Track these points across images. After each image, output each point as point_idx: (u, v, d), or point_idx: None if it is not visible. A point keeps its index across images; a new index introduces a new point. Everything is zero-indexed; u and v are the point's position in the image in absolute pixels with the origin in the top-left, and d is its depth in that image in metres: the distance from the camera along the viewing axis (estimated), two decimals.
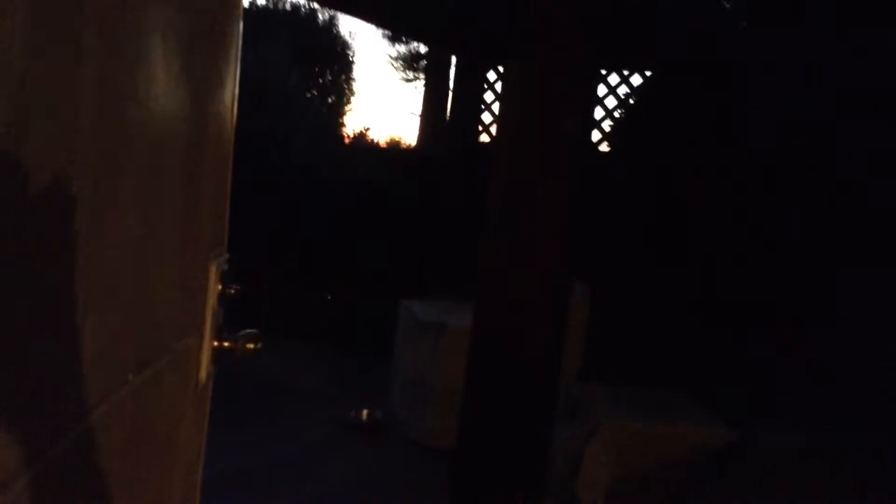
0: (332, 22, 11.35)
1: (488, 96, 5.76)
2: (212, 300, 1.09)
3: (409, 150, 9.48)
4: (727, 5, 3.83)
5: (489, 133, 5.80)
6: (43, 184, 0.57)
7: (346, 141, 9.02)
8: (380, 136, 11.69)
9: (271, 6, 10.85)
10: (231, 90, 1.19)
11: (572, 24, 2.31)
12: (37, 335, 0.59)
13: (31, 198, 0.56)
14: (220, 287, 1.12)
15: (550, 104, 2.35)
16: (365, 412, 4.54)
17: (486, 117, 5.79)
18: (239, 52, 1.23)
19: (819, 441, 3.48)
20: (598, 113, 5.12)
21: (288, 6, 11.07)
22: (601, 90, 5.13)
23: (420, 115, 9.96)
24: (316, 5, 11.13)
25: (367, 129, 11.10)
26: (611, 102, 5.25)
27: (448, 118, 6.62)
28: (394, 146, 9.71)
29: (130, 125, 0.75)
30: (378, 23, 6.53)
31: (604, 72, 5.14)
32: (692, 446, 3.45)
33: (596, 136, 5.14)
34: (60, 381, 0.64)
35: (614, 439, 3.43)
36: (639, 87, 5.23)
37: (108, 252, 0.72)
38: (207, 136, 1.05)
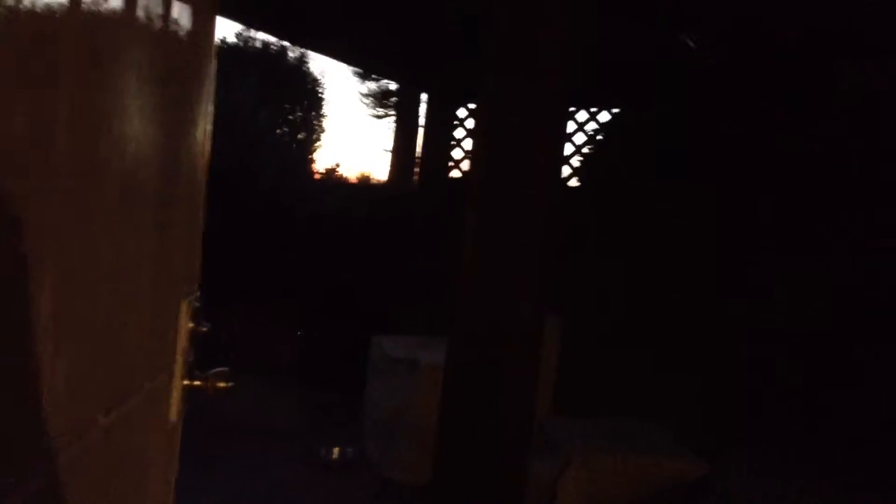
0: (302, 60, 11.43)
1: (459, 132, 5.82)
2: (183, 338, 1.08)
3: (379, 185, 9.52)
4: (692, 44, 3.94)
5: (460, 169, 5.86)
6: (10, 223, 0.57)
7: (317, 177, 9.03)
8: (350, 172, 11.70)
9: (241, 44, 10.90)
10: (204, 128, 1.20)
11: (541, 59, 2.35)
12: (3, 375, 0.58)
13: (2, 240, 0.55)
14: (191, 325, 1.11)
15: (521, 140, 2.39)
16: (336, 450, 4.47)
17: (457, 153, 5.85)
18: (212, 91, 1.24)
19: (792, 472, 3.50)
20: (568, 149, 5.20)
21: (258, 44, 11.13)
22: (570, 126, 5.22)
23: (391, 151, 10.03)
24: (286, 44, 11.21)
25: (338, 165, 11.13)
26: (579, 139, 5.34)
27: (419, 154, 6.68)
28: (364, 181, 9.74)
29: (103, 163, 0.75)
30: (348, 61, 6.59)
31: (572, 109, 5.23)
32: (665, 478, 3.45)
33: (565, 171, 5.22)
34: (28, 423, 0.63)
35: (587, 472, 3.42)
36: (606, 122, 5.33)
37: (79, 290, 0.71)
38: (180, 174, 1.05)
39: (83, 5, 0.67)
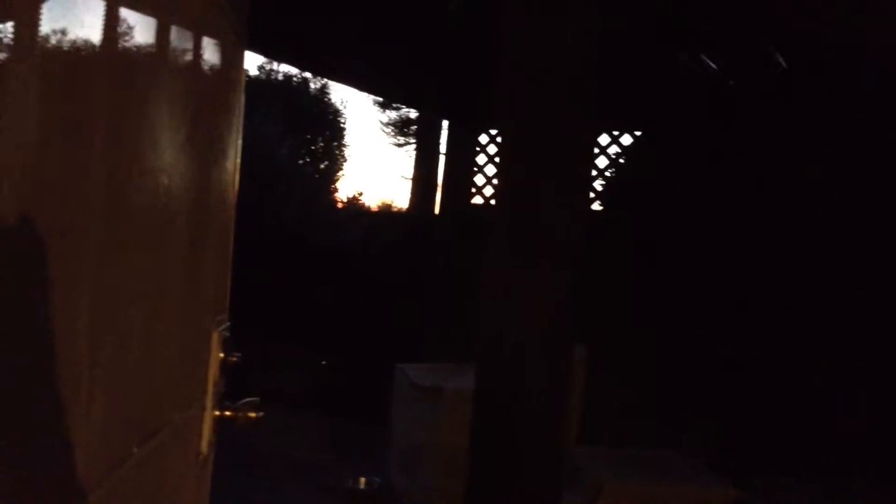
0: (323, 91, 11.60)
1: (480, 158, 5.83)
2: (214, 369, 1.08)
3: (401, 213, 9.56)
4: (713, 66, 3.93)
5: (482, 195, 5.86)
6: (48, 255, 0.57)
7: (339, 206, 9.10)
8: (372, 200, 11.79)
9: (264, 77, 11.09)
10: (233, 159, 1.21)
11: (560, 86, 2.35)
12: (43, 406, 0.58)
13: (38, 274, 0.56)
14: (221, 355, 1.11)
15: (545, 166, 2.38)
16: (362, 480, 4.44)
17: (479, 179, 5.86)
18: (241, 123, 1.25)
19: (822, 497, 3.42)
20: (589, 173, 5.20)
21: (280, 77, 11.31)
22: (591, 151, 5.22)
23: (412, 179, 10.08)
24: (308, 75, 11.38)
25: (360, 194, 11.22)
26: (601, 162, 5.33)
27: (441, 181, 6.70)
28: (386, 209, 9.79)
29: (136, 194, 0.76)
30: (369, 90, 6.66)
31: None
32: None
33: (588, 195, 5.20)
34: (67, 456, 0.63)
35: (618, 502, 3.36)
36: (629, 146, 5.32)
37: (113, 320, 0.71)
38: (211, 204, 1.05)
39: (117, 42, 0.69)
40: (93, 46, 0.62)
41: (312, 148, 11.10)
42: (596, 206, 5.39)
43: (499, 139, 5.79)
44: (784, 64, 3.96)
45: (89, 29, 0.61)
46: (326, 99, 11.63)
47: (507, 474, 2.38)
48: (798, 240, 4.32)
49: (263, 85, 10.68)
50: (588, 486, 3.45)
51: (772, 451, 4.00)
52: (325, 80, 11.44)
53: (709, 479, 3.55)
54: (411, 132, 11.53)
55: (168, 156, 0.85)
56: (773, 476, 3.75)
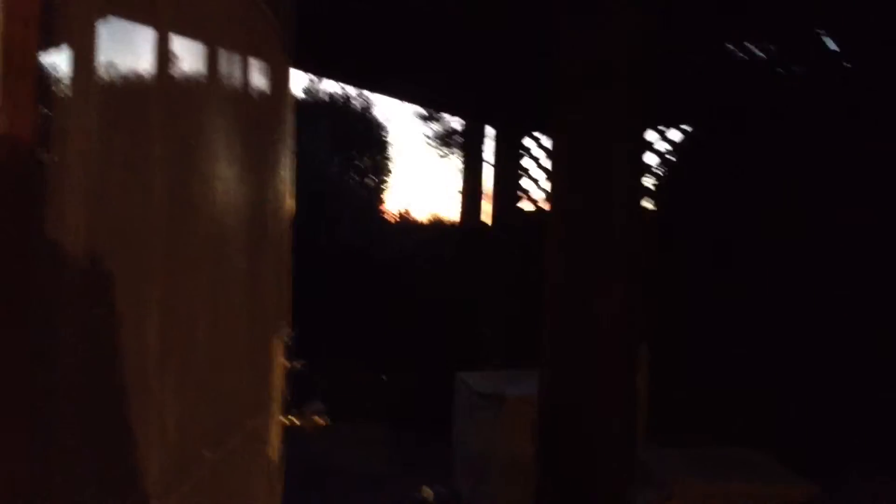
0: (366, 107, 11.72)
1: (526, 162, 5.80)
2: (278, 376, 1.09)
3: (450, 224, 9.57)
4: (762, 55, 3.84)
5: (530, 199, 5.83)
6: (121, 272, 0.59)
7: (389, 220, 9.16)
8: (422, 213, 11.84)
9: (309, 99, 11.27)
10: (286, 173, 1.23)
11: (616, 80, 2.32)
12: (119, 413, 0.59)
13: (114, 288, 0.57)
14: (285, 363, 1.12)
15: (600, 165, 2.34)
16: (427, 490, 4.44)
17: (526, 183, 5.83)
18: (292, 136, 1.27)
19: None
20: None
21: (325, 96, 11.48)
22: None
23: (461, 189, 10.09)
24: (351, 93, 11.52)
25: (409, 209, 11.29)
26: (651, 159, 5.24)
27: (490, 188, 6.69)
28: (436, 221, 9.81)
29: (198, 205, 0.78)
30: (412, 100, 6.71)
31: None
32: (772, 503, 3.28)
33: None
34: (142, 461, 0.64)
35: (690, 502, 3.28)
36: (680, 142, 5.22)
37: (181, 328, 0.73)
38: (267, 217, 1.07)
39: (172, 67, 0.71)
40: (148, 74, 0.64)
41: (358, 164, 11.23)
42: (647, 204, 5.31)
43: (544, 141, 5.76)
44: (838, 50, 3.85)
45: (144, 58, 0.63)
46: (370, 116, 11.76)
47: (579, 479, 2.35)
48: (856, 234, 4.18)
49: (309, 106, 10.86)
50: (659, 487, 3.38)
51: (848, 448, 3.86)
52: (369, 97, 11.56)
53: (785, 476, 3.44)
54: (455, 143, 11.56)
55: (225, 172, 0.87)
56: (850, 472, 3.62)
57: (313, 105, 11.00)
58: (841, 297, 4.22)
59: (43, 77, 0.45)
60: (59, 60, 0.47)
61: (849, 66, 4.02)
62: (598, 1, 2.34)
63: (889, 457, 3.64)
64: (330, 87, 11.61)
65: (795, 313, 4.40)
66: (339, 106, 11.42)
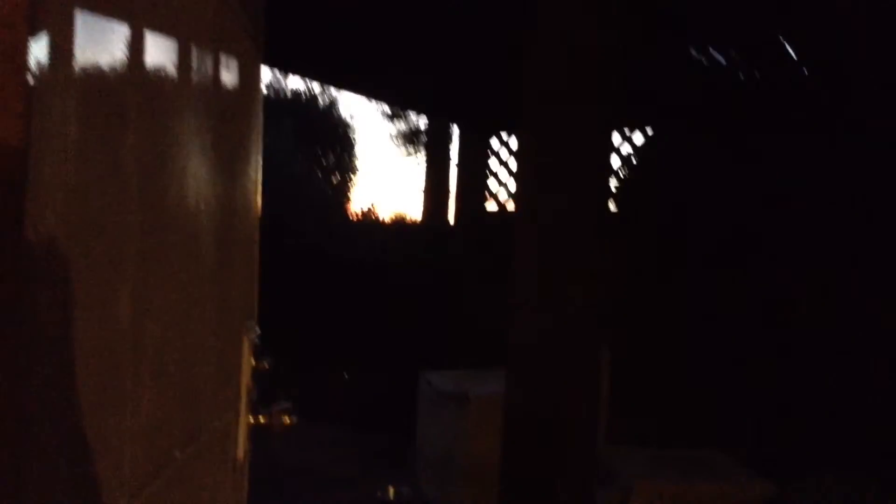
0: (332, 105, 11.67)
1: (492, 163, 5.84)
2: (246, 375, 1.08)
3: (414, 224, 9.58)
4: (722, 60, 3.92)
5: (496, 200, 5.86)
6: (90, 265, 0.58)
7: (353, 219, 9.13)
8: (385, 213, 11.82)
9: (272, 95, 11.17)
10: (255, 169, 1.22)
11: (583, 88, 2.35)
12: (93, 411, 0.59)
13: (82, 281, 0.56)
14: (253, 362, 1.11)
15: (567, 170, 2.37)
16: (391, 490, 4.43)
17: (492, 184, 5.86)
18: (260, 135, 1.27)
19: (861, 491, 3.37)
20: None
21: (289, 94, 11.40)
22: None
23: (424, 189, 10.11)
24: (316, 92, 11.46)
25: (373, 206, 11.26)
26: (614, 162, 5.31)
27: (455, 188, 6.71)
28: (400, 220, 9.81)
29: (168, 200, 0.77)
30: (379, 97, 6.69)
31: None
32: (733, 503, 3.34)
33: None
34: (115, 458, 0.63)
35: (650, 502, 3.33)
36: (641, 145, 5.30)
37: (151, 325, 0.72)
38: (236, 212, 1.06)
39: (143, 60, 0.70)
40: (121, 66, 0.63)
41: (324, 162, 11.17)
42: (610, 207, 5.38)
43: (510, 143, 5.80)
44: (795, 58, 3.94)
45: (116, 50, 0.62)
46: (335, 114, 11.71)
47: (543, 479, 2.37)
48: (813, 231, 4.28)
49: (273, 102, 10.77)
50: (619, 486, 3.43)
51: (808, 449, 3.95)
52: (334, 95, 11.51)
53: (744, 475, 3.51)
54: (421, 142, 11.57)
55: (196, 167, 0.87)
56: (809, 474, 3.70)
57: (277, 102, 10.91)
58: (799, 296, 4.32)
59: (24, 71, 0.44)
60: (38, 54, 0.46)
61: (806, 72, 4.12)
62: (567, 9, 2.36)
63: (845, 458, 3.74)
64: (295, 83, 11.53)
65: (756, 313, 4.49)
66: (303, 104, 11.34)
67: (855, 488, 3.44)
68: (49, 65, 0.47)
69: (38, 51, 0.45)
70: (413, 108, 8.08)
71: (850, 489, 3.47)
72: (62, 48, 0.50)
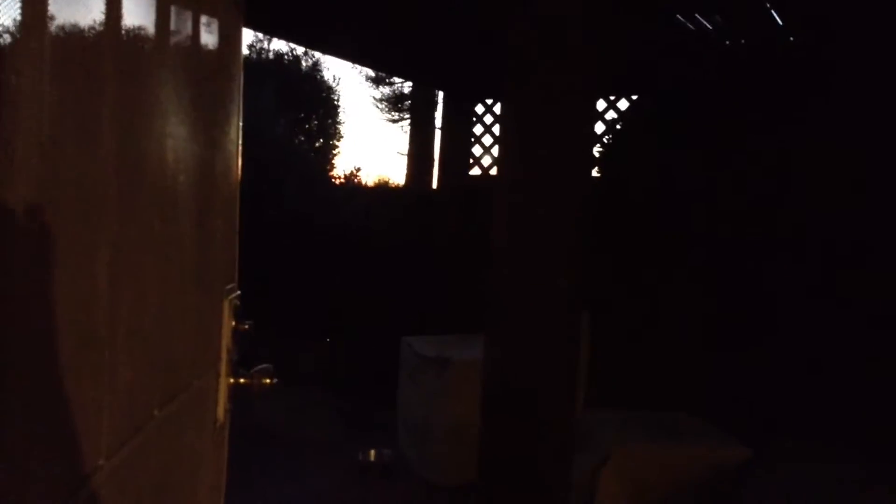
0: (315, 68, 11.51)
1: (477, 129, 5.82)
2: (227, 336, 1.09)
3: (398, 188, 9.54)
4: (709, 27, 3.91)
5: (480, 166, 5.85)
6: (67, 224, 0.58)
7: (337, 183, 9.07)
8: (370, 177, 11.76)
9: (254, 56, 11.00)
10: (235, 130, 1.21)
11: (568, 54, 2.34)
12: (73, 368, 0.59)
13: (58, 238, 0.56)
14: (233, 323, 1.12)
15: (550, 135, 2.37)
16: (372, 452, 4.48)
17: (476, 150, 5.85)
18: (241, 93, 1.25)
19: (839, 459, 3.45)
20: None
21: (271, 55, 11.23)
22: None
23: (408, 154, 10.05)
24: (299, 53, 11.29)
25: (357, 170, 11.19)
26: (599, 128, 5.31)
27: (438, 154, 6.68)
28: (383, 185, 9.77)
29: (147, 160, 0.77)
30: (363, 62, 6.62)
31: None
32: (708, 465, 3.41)
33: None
34: (95, 414, 0.64)
35: (627, 465, 3.39)
36: (626, 110, 5.30)
37: (130, 285, 0.72)
38: (216, 174, 1.06)
39: (120, 20, 0.69)
40: (98, 25, 0.62)
41: (307, 126, 11.05)
42: (594, 173, 5.38)
43: (496, 109, 5.77)
44: (780, 23, 3.94)
45: (93, 7, 0.61)
46: (319, 76, 11.55)
47: (523, 443, 2.41)
48: (794, 203, 4.32)
49: (255, 64, 10.61)
50: (597, 449, 3.48)
51: (784, 415, 4.03)
52: (317, 57, 11.35)
53: (720, 439, 3.57)
54: (405, 107, 11.47)
55: (176, 129, 0.86)
56: (785, 438, 3.78)
57: (259, 64, 10.74)
58: (779, 264, 4.38)
59: None
60: (11, 12, 0.45)
61: (792, 39, 4.12)
62: None
63: (820, 425, 3.82)
64: (277, 45, 11.35)
65: (734, 281, 4.55)
66: (286, 66, 11.18)
67: (829, 456, 3.52)
68: (22, 23, 0.47)
69: (11, 8, 0.45)
70: (397, 74, 8.00)
71: (824, 454, 3.55)
72: (36, 5, 0.49)
